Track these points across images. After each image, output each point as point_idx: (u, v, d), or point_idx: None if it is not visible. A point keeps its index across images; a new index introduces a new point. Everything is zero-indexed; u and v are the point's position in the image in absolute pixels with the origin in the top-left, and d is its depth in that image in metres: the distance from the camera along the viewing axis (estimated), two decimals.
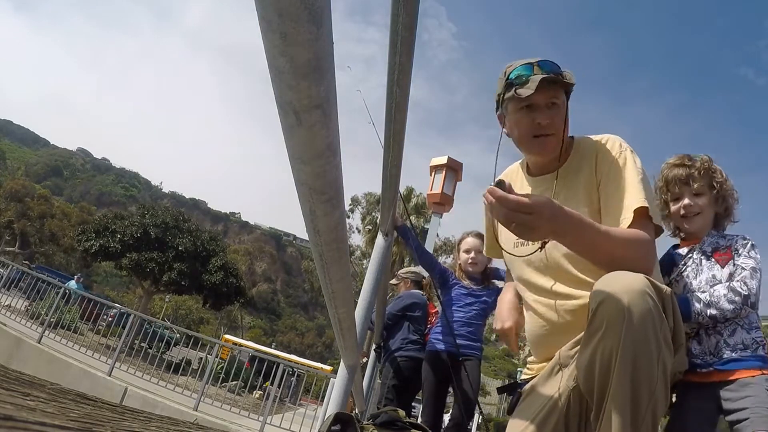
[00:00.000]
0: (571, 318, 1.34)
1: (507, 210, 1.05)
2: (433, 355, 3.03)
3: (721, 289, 1.50)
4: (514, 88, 1.33)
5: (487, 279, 3.07)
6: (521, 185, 1.50)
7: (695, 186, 1.63)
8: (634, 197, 1.26)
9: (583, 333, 1.32)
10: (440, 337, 3.02)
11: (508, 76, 1.36)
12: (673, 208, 1.68)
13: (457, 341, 2.86)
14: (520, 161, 1.58)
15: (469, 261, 3.00)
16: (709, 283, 1.56)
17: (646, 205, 1.25)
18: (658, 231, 1.31)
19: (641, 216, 1.25)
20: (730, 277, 1.54)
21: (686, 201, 1.64)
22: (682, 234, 1.73)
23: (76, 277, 18.19)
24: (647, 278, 1.07)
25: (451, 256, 3.88)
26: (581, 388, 1.14)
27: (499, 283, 3.03)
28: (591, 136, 1.43)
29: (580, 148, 1.42)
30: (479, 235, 2.93)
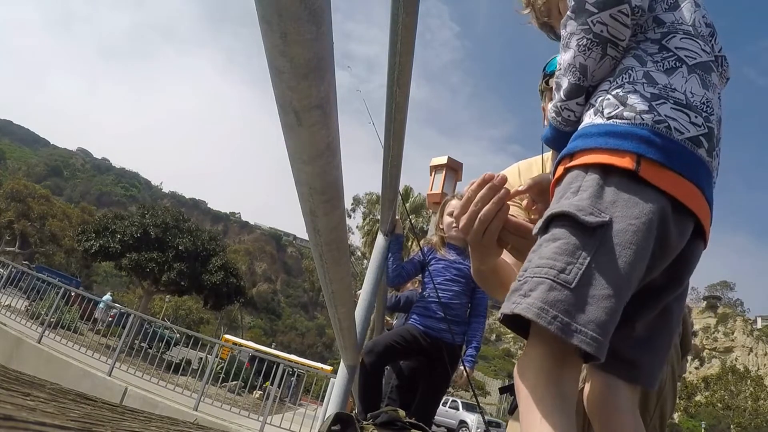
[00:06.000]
0: None
1: (505, 230, 0.93)
2: (412, 334, 2.62)
3: None
4: (548, 80, 1.31)
5: None
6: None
7: None
8: None
9: None
10: (418, 320, 2.66)
11: (545, 67, 1.34)
12: None
13: (439, 325, 2.58)
14: (536, 157, 1.53)
15: (453, 224, 2.65)
16: None
17: None
18: None
19: None
20: None
21: None
22: None
23: (110, 293, 20.93)
24: None
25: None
26: None
27: None
28: None
29: None
30: None
